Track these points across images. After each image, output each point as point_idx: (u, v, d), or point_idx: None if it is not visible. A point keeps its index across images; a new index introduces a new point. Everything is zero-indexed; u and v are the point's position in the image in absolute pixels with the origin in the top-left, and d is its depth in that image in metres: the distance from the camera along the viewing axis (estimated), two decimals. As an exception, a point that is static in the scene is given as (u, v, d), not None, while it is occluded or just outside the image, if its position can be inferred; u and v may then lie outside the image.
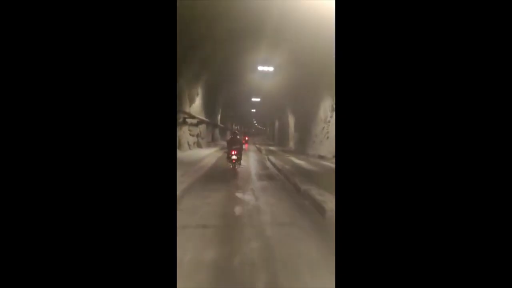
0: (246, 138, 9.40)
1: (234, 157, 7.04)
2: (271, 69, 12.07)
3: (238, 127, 11.86)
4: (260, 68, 12.07)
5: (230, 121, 28.00)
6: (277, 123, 27.11)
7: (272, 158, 11.45)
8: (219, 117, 22.45)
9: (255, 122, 47.22)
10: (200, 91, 13.83)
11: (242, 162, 8.63)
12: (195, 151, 12.31)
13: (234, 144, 7.05)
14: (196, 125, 14.07)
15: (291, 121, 20.85)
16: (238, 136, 7.32)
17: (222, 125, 24.30)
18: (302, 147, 16.05)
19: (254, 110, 32.03)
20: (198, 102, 13.89)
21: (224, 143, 18.54)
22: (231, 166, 7.14)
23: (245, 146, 8.25)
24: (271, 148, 19.95)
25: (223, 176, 7.02)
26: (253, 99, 23.03)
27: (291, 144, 20.73)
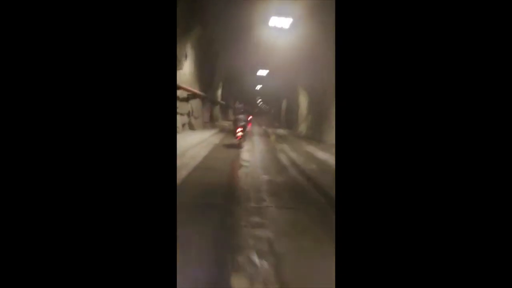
0: (249, 117, 8.19)
1: (240, 133, 8.13)
2: (286, 24, 8.66)
3: (243, 104, 9.70)
4: (272, 22, 8.66)
5: (233, 99, 24.53)
6: (284, 103, 23.84)
7: (286, 148, 8.34)
8: (219, 92, 19.03)
9: (259, 101, 44.11)
10: (190, 52, 10.45)
11: (247, 155, 7.25)
12: (181, 136, 9.13)
13: (240, 122, 8.18)
14: (186, 99, 10.83)
15: (303, 100, 17.71)
16: (240, 116, 8.29)
17: (223, 102, 20.84)
18: (317, 132, 12.97)
19: (259, 87, 28.72)
20: (188, 69, 10.56)
21: (225, 125, 15.97)
22: (237, 142, 8.21)
23: (248, 126, 8.87)
24: (280, 131, 16.76)
25: (211, 193, 3.89)
26: (259, 73, 19.64)
27: (302, 127, 17.72)
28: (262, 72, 19.44)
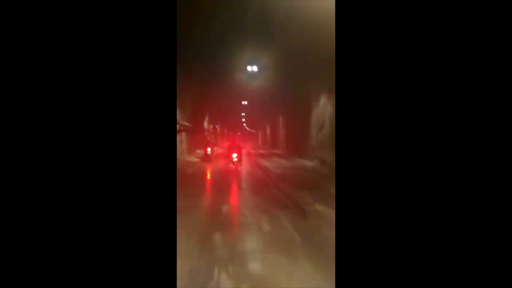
0: (236, 154, 8.93)
1: (235, 159, 9.02)
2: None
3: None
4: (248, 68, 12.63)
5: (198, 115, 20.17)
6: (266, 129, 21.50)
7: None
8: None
9: (244, 123, 38.95)
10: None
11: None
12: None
13: (233, 149, 9.24)
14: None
15: (269, 128, 21.91)
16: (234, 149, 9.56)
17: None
18: (278, 146, 18.72)
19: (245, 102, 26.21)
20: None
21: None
22: (232, 166, 8.94)
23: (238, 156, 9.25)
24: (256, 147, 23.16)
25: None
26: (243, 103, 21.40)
27: (268, 144, 22.38)
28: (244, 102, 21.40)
